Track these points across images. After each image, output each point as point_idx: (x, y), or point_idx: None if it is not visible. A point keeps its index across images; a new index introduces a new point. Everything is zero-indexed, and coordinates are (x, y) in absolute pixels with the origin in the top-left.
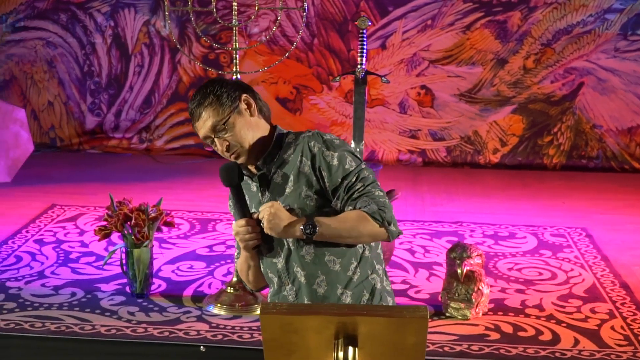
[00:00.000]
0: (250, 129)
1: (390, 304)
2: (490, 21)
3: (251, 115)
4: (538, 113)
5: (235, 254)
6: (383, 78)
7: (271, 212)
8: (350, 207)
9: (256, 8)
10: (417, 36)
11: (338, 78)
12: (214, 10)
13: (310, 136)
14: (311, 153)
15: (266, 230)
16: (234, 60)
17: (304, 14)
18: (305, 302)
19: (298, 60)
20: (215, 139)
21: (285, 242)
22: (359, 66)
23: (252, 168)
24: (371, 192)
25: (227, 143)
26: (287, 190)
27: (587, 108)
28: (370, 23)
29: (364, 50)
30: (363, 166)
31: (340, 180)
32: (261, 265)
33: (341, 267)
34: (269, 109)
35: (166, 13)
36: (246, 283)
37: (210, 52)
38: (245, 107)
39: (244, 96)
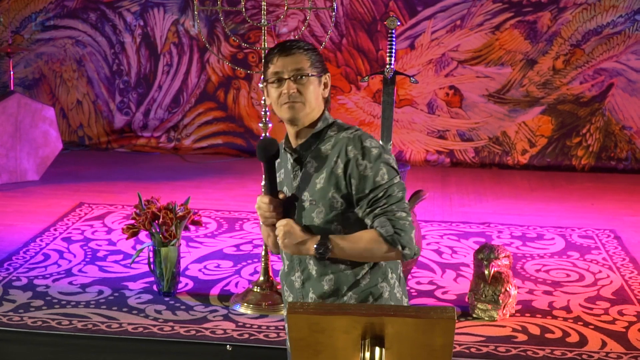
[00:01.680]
0: (316, 100)
1: None
2: (520, 21)
3: (323, 92)
4: (567, 114)
5: None
6: (411, 78)
7: (285, 231)
8: (368, 221)
9: (285, 8)
10: (446, 36)
11: (366, 78)
12: (243, 9)
13: (350, 139)
14: (346, 157)
15: (281, 247)
16: (263, 60)
17: (333, 13)
18: (310, 293)
19: (326, 60)
20: (288, 80)
21: None
22: (387, 66)
23: (293, 142)
24: (393, 211)
25: (295, 90)
26: (318, 185)
27: (617, 109)
28: (399, 23)
29: (393, 50)
30: (396, 180)
31: (367, 192)
32: (279, 244)
33: (352, 271)
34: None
35: (195, 12)
36: (271, 248)
37: (239, 51)
38: (325, 82)
39: (329, 75)
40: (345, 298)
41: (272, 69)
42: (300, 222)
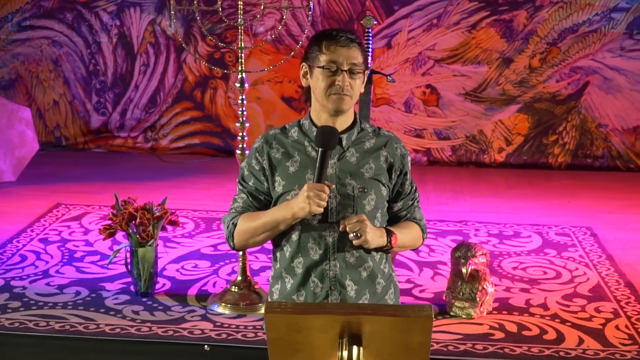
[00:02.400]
0: (359, 94)
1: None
2: (496, 20)
3: (361, 88)
4: (543, 112)
5: (238, 205)
6: (388, 77)
7: (367, 226)
8: (406, 213)
9: (262, 7)
10: (423, 35)
11: None
12: (220, 9)
13: (393, 138)
14: (399, 154)
15: (360, 242)
16: (240, 60)
17: (310, 12)
18: (347, 281)
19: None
20: (345, 73)
21: (337, 218)
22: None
23: None
24: (419, 204)
25: (348, 84)
26: (366, 174)
27: (593, 107)
28: (375, 22)
29: (370, 49)
30: None
31: (407, 186)
32: (295, 235)
33: (380, 259)
34: None
35: (172, 12)
36: (245, 240)
37: (215, 51)
38: (365, 78)
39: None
40: (378, 286)
41: (328, 56)
42: (348, 209)
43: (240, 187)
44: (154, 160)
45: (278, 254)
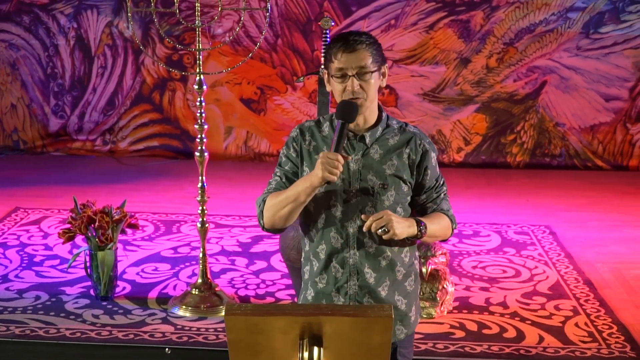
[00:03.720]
0: (376, 92)
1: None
2: (453, 21)
3: (381, 82)
4: (501, 112)
5: (272, 187)
6: None
7: (392, 219)
8: (433, 205)
9: (219, 9)
10: (381, 36)
11: (302, 78)
12: (177, 11)
13: (417, 134)
14: (422, 150)
15: (390, 236)
16: (198, 61)
17: (267, 14)
18: (365, 268)
19: (262, 61)
20: (353, 77)
21: (358, 211)
22: (322, 66)
23: (351, 127)
24: (447, 195)
25: (359, 87)
26: (388, 171)
27: (550, 106)
28: (333, 23)
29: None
30: None
31: (434, 180)
32: (320, 223)
33: (400, 249)
34: None
35: (129, 14)
36: (272, 215)
37: (173, 53)
38: (384, 71)
39: (387, 64)
40: (397, 274)
41: (336, 64)
42: (368, 204)
43: (276, 171)
44: (113, 163)
45: (306, 239)
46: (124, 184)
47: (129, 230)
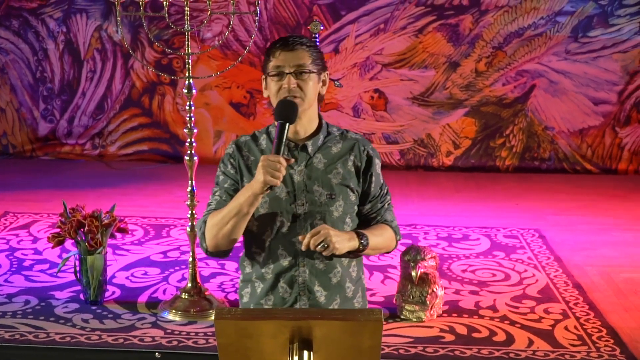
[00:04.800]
0: (315, 97)
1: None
2: (442, 25)
3: (320, 89)
4: (490, 116)
5: (212, 207)
6: (336, 82)
7: (331, 234)
8: (377, 216)
9: (208, 13)
10: (370, 40)
11: None
12: (166, 15)
13: (361, 140)
14: (367, 156)
15: (330, 252)
16: (187, 66)
17: (257, 18)
18: (315, 287)
19: (251, 65)
20: (290, 75)
21: (306, 225)
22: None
23: (293, 136)
24: (391, 205)
25: (295, 85)
26: (334, 180)
27: (539, 110)
28: (322, 27)
29: None
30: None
31: (379, 189)
32: (266, 242)
33: (349, 263)
34: None
35: (118, 18)
36: (215, 235)
37: (163, 57)
38: (324, 79)
39: (327, 73)
40: (347, 290)
41: (273, 62)
42: (317, 216)
43: (215, 190)
44: (102, 167)
45: (249, 258)
46: (114, 188)
47: (118, 235)
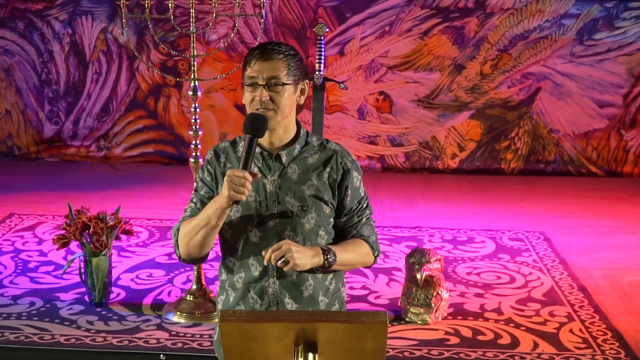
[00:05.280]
0: (291, 108)
1: None
2: (448, 27)
3: (298, 99)
4: (495, 118)
5: (187, 215)
6: (341, 84)
7: (293, 249)
8: (353, 230)
9: (214, 15)
10: (375, 42)
11: None
12: (172, 17)
13: (339, 152)
14: (343, 169)
15: (290, 268)
16: (192, 67)
17: (262, 20)
18: (286, 299)
19: None
20: (262, 86)
21: (277, 236)
22: (317, 72)
23: (268, 146)
24: (371, 220)
25: (268, 98)
26: (307, 192)
27: (544, 113)
28: (328, 29)
29: (322, 57)
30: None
31: (356, 202)
32: (238, 250)
33: (324, 276)
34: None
35: (124, 20)
36: (186, 244)
37: (168, 59)
38: (302, 88)
39: (307, 81)
40: (321, 304)
41: (248, 71)
42: (287, 227)
43: (192, 197)
44: (107, 169)
45: (223, 267)
46: (119, 190)
47: (123, 237)
